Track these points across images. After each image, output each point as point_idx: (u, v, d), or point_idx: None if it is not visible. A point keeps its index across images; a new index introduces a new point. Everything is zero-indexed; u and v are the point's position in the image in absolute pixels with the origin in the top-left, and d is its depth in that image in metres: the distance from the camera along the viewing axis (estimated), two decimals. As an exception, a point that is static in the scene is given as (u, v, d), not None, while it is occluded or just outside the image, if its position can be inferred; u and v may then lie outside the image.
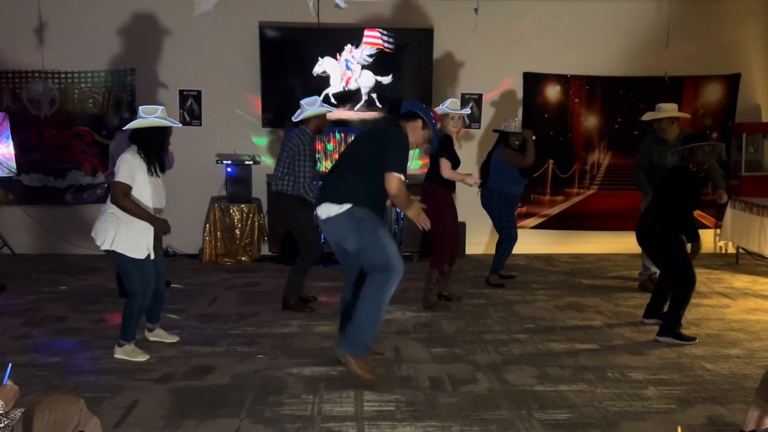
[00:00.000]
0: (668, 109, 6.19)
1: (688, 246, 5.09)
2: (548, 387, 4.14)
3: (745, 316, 5.76)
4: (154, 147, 4.42)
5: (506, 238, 6.63)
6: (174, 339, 4.90)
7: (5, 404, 2.26)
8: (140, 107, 4.55)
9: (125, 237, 4.35)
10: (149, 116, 4.42)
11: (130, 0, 7.77)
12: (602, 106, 8.28)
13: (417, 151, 6.93)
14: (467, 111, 6.42)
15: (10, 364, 2.45)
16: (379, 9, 7.94)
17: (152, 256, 4.46)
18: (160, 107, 4.51)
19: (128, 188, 4.31)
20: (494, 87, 8.17)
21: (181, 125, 4.81)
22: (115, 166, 4.45)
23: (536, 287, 6.71)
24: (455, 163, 5.82)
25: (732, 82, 8.35)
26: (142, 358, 4.51)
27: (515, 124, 6.53)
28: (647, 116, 6.37)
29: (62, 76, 7.83)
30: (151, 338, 4.87)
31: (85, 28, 7.72)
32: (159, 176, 4.46)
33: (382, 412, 3.75)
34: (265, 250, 7.89)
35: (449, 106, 5.83)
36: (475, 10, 5.76)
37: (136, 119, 4.45)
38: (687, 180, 5.01)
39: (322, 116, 5.61)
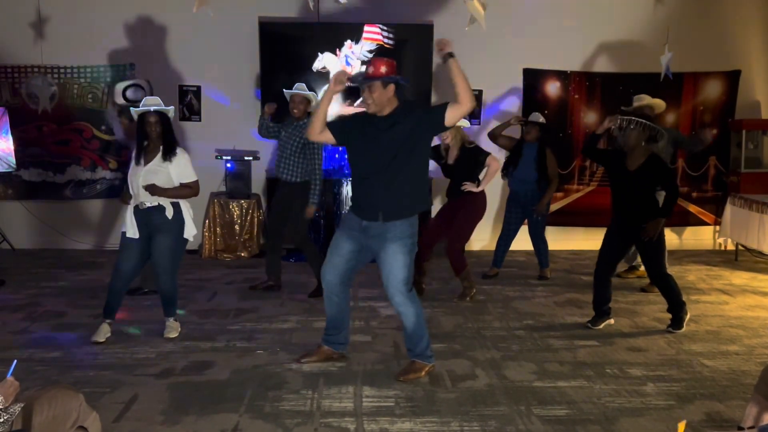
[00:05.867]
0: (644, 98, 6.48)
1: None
2: (547, 383, 4.15)
3: (744, 312, 5.77)
4: (138, 133, 4.68)
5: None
6: (172, 335, 4.91)
7: (5, 399, 2.26)
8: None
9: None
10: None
11: (129, -5, 7.77)
12: (602, 103, 8.26)
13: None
14: None
15: (15, 360, 2.46)
16: (379, 4, 7.92)
17: (128, 234, 4.67)
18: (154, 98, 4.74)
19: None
20: (494, 83, 8.15)
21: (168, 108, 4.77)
22: None
23: (535, 283, 6.71)
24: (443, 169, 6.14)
25: (732, 78, 8.34)
26: (95, 337, 4.73)
27: (534, 117, 6.76)
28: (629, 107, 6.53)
29: (61, 71, 7.81)
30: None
31: (85, 22, 7.70)
32: (143, 164, 4.63)
33: (381, 408, 3.76)
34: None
35: None
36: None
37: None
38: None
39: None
